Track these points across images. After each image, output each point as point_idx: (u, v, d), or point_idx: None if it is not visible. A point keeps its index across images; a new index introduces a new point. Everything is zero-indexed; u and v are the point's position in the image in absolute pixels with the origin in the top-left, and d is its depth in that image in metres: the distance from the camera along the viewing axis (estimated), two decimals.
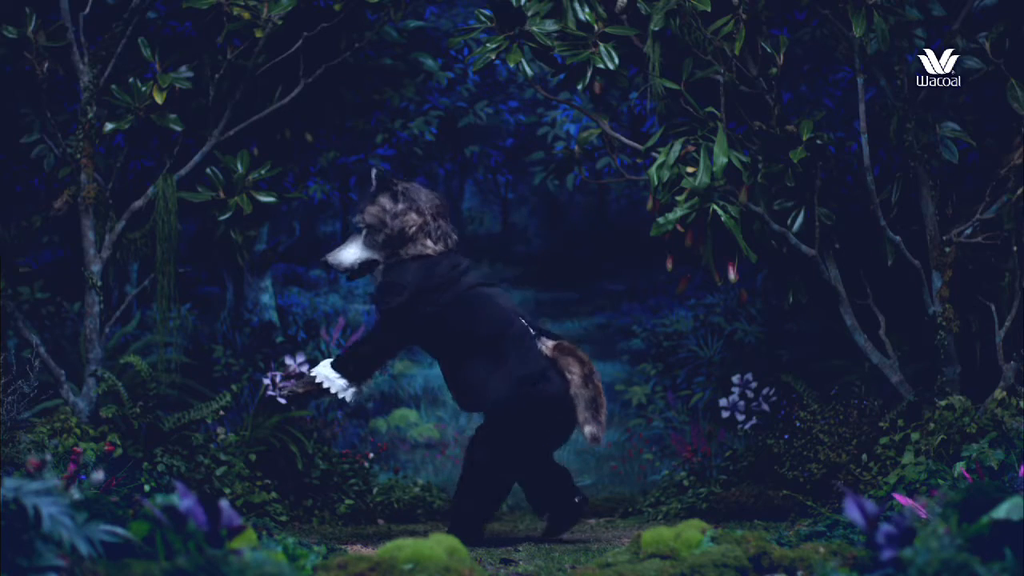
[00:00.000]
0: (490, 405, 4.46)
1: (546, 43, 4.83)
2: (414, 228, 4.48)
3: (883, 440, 4.80)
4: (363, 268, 4.60)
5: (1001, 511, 2.49)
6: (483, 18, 4.94)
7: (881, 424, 4.89)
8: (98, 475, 3.17)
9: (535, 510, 4.88)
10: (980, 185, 4.95)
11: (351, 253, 4.59)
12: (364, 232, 4.55)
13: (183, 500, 2.50)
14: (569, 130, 7.96)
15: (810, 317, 5.91)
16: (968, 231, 4.82)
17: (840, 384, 5.33)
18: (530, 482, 4.74)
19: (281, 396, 4.67)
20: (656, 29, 4.67)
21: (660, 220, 4.69)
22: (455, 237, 4.60)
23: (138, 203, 5.09)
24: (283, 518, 5.10)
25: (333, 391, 4.52)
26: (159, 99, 4.88)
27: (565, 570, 3.73)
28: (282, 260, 8.45)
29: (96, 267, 5.01)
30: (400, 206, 4.50)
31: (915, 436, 4.61)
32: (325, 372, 4.55)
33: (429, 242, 4.50)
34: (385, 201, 4.52)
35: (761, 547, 2.97)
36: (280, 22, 4.90)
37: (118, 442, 4.75)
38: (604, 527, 5.40)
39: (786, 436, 5.27)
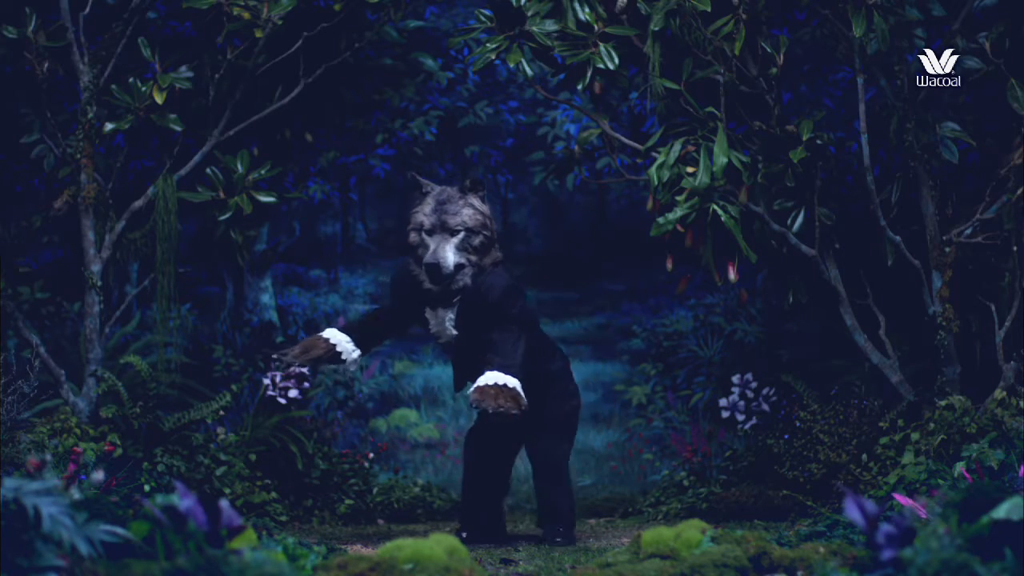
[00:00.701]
0: (560, 390, 4.66)
1: (546, 43, 4.82)
2: (496, 233, 4.50)
3: (883, 440, 4.80)
4: (456, 271, 4.38)
5: (1001, 511, 2.49)
6: (483, 18, 4.93)
7: (881, 424, 4.89)
8: (98, 475, 3.17)
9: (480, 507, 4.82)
10: (980, 185, 4.95)
11: (451, 255, 4.36)
12: (462, 235, 4.36)
13: (183, 500, 2.50)
14: (569, 130, 7.95)
15: (810, 317, 5.91)
16: (968, 231, 4.82)
17: (840, 384, 5.33)
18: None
19: (494, 410, 4.12)
20: (656, 29, 4.66)
21: (660, 220, 4.69)
22: None
23: (138, 203, 5.09)
24: (283, 518, 5.10)
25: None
26: (159, 99, 4.88)
27: (565, 570, 3.73)
28: (282, 260, 8.44)
29: (96, 267, 5.01)
30: (488, 209, 4.46)
31: (915, 436, 4.60)
32: (512, 381, 4.22)
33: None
34: (479, 203, 4.43)
35: (761, 547, 2.97)
36: (280, 22, 4.90)
37: (118, 442, 4.75)
38: (604, 527, 5.40)
39: (786, 436, 5.27)
